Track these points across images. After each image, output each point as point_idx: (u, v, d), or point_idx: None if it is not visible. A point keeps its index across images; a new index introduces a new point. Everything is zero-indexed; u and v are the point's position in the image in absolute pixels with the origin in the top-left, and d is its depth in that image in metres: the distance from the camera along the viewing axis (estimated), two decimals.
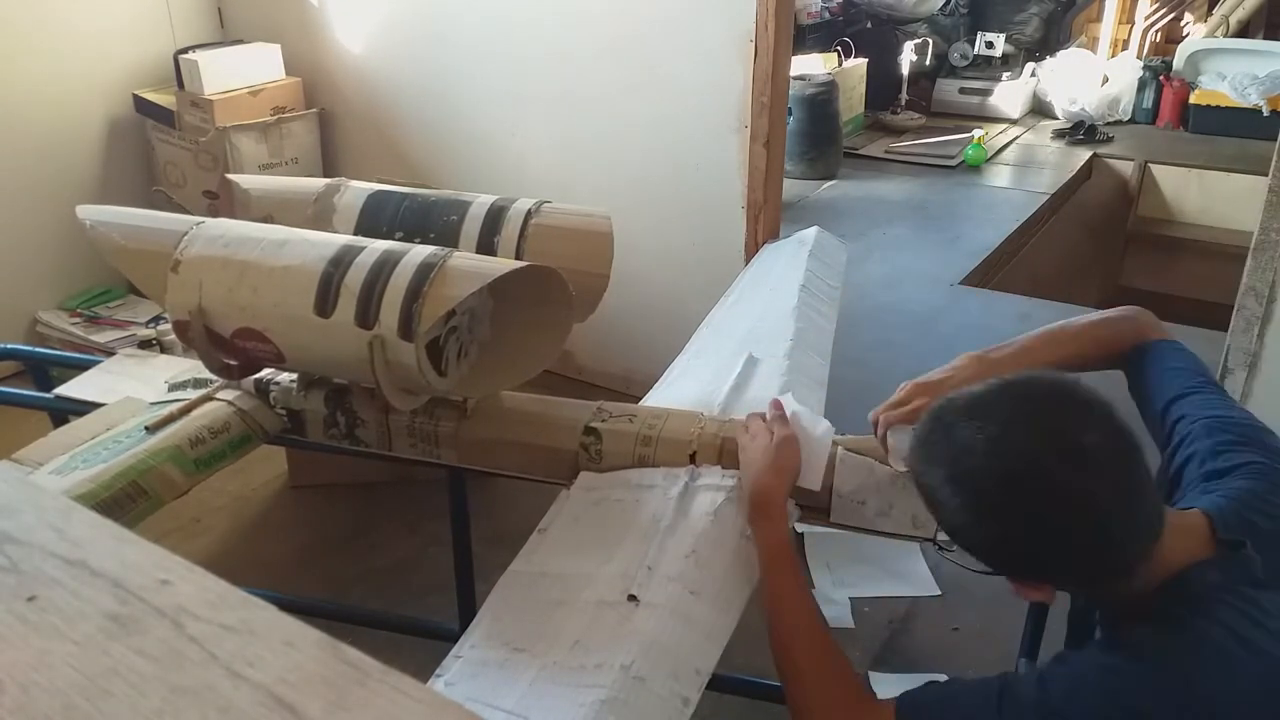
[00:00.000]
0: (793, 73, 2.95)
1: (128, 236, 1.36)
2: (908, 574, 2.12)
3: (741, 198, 2.44)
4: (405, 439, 1.40)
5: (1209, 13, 5.71)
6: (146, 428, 1.34)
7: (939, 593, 2.08)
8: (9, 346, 1.96)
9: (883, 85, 5.34)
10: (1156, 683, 0.92)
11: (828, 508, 1.26)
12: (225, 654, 0.41)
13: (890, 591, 2.07)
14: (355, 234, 1.40)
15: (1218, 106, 4.97)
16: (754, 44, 2.29)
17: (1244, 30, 5.46)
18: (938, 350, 3.33)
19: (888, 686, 1.87)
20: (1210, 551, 0.97)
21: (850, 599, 2.07)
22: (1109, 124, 5.24)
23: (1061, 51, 5.63)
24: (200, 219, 1.33)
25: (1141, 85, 5.27)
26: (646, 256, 2.46)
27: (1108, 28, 5.93)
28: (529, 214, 1.43)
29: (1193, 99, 5.07)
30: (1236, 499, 1.01)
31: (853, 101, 5.14)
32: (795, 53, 3.00)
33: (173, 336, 1.39)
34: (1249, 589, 0.95)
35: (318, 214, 1.46)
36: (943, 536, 1.02)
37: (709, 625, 1.05)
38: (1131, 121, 5.32)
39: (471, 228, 1.42)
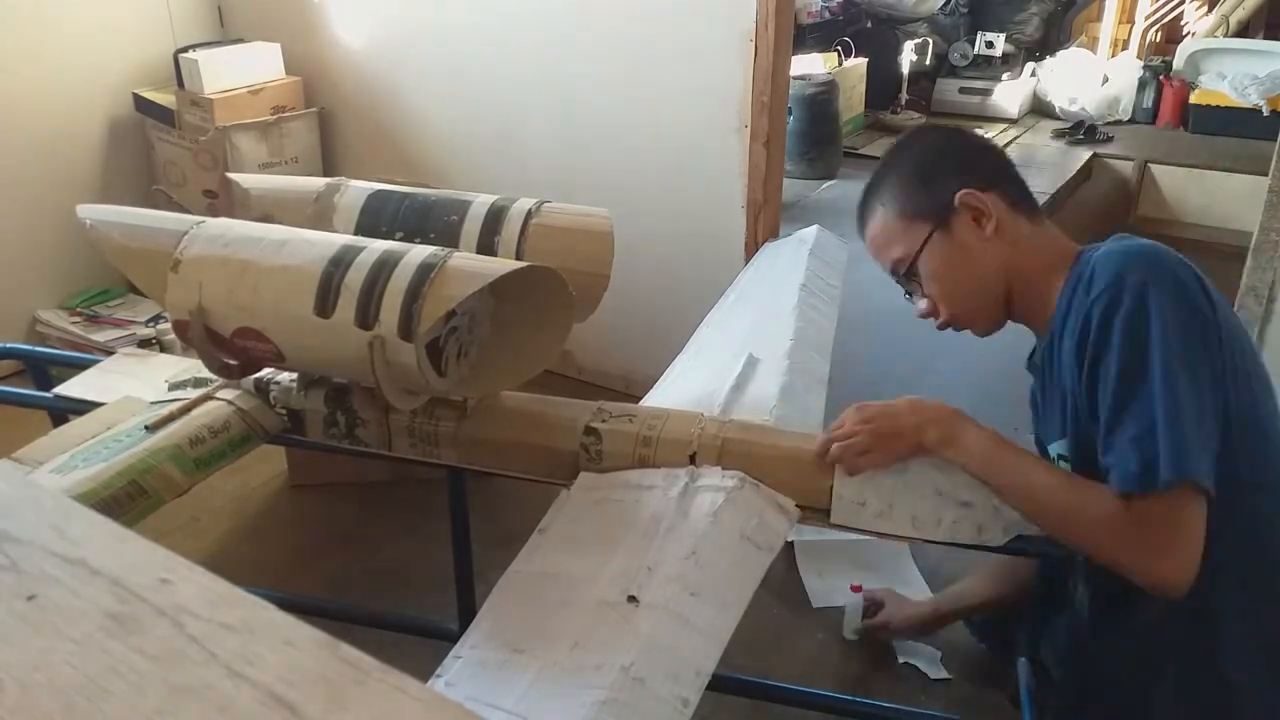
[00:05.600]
0: (793, 73, 2.94)
1: (128, 236, 1.36)
2: (902, 581, 2.12)
3: (741, 197, 2.44)
4: (405, 439, 1.40)
5: (1210, 10, 5.71)
6: (146, 427, 1.34)
7: (933, 597, 2.07)
8: (9, 346, 1.96)
9: (883, 85, 5.34)
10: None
11: (828, 509, 1.26)
12: (225, 653, 0.41)
13: None
14: (355, 233, 1.40)
15: (1218, 106, 4.96)
16: (754, 44, 2.29)
17: (1244, 30, 5.46)
18: (938, 350, 3.33)
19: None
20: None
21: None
22: (1109, 124, 5.24)
23: (1061, 51, 5.63)
24: (200, 218, 1.33)
25: (1141, 85, 5.27)
26: (646, 256, 2.46)
27: (1108, 28, 5.93)
28: (529, 214, 1.43)
29: (1193, 99, 5.07)
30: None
31: (853, 101, 5.14)
32: (795, 52, 3.00)
33: (172, 336, 1.39)
34: None
35: (318, 213, 1.46)
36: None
37: (709, 626, 1.05)
38: (1131, 121, 5.32)
39: (472, 227, 1.42)
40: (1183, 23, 5.90)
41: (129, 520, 1.20)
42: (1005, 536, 1.23)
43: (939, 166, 1.32)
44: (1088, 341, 1.15)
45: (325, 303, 1.20)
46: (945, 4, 5.55)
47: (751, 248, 2.43)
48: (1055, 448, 1.33)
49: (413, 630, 1.86)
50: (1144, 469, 1.09)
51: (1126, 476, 1.10)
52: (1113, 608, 1.24)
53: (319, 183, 1.52)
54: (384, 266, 1.20)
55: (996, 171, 1.33)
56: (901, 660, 1.91)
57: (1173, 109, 5.18)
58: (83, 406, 1.51)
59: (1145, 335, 1.10)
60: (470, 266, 1.22)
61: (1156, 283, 1.12)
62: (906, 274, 1.34)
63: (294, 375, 1.43)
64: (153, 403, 1.45)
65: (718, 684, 1.18)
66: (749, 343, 1.62)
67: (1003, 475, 1.20)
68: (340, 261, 1.22)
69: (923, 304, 1.36)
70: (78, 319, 2.94)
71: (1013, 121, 5.42)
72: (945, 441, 1.22)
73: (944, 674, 1.88)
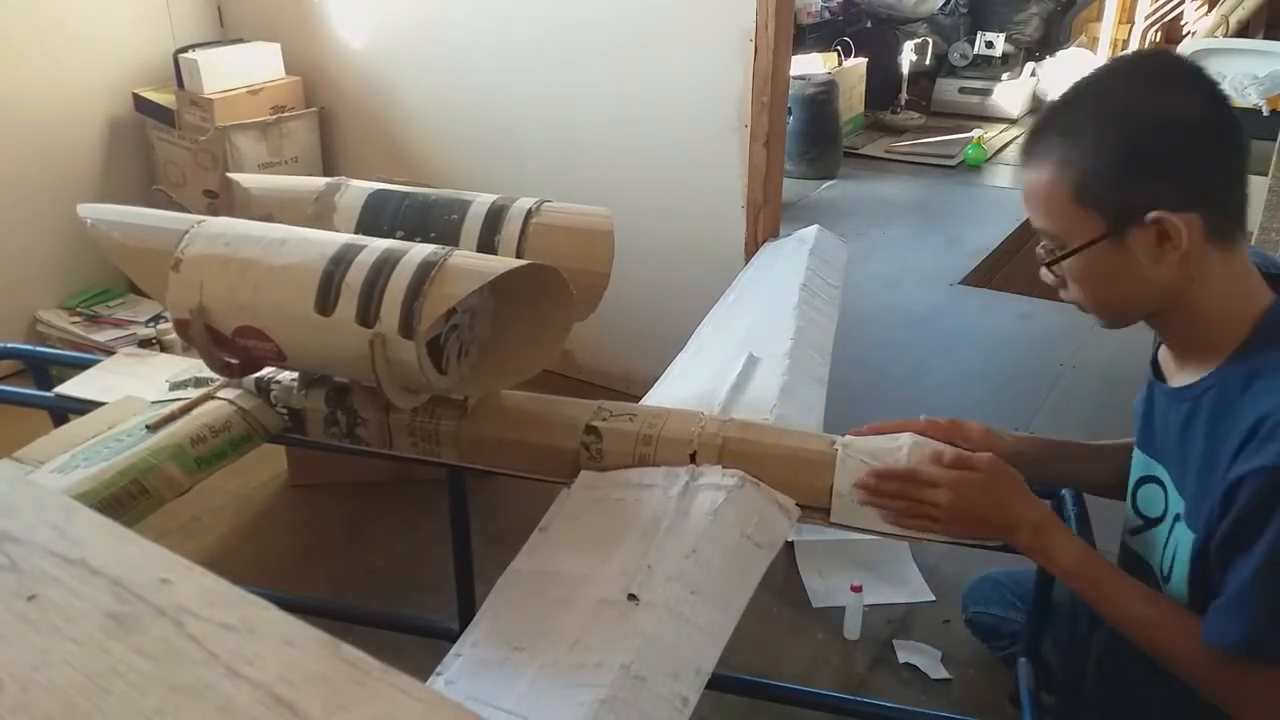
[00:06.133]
0: (793, 73, 2.94)
1: (129, 235, 1.36)
2: (902, 580, 2.12)
3: (741, 197, 2.44)
4: (406, 438, 1.40)
5: (1210, 9, 5.71)
6: (147, 426, 1.34)
7: (933, 598, 2.07)
8: (9, 345, 1.95)
9: (883, 85, 5.35)
10: None
11: (828, 508, 1.26)
12: (225, 653, 0.41)
13: (885, 599, 2.06)
14: (356, 233, 1.40)
15: None
16: (754, 44, 2.29)
17: (1244, 30, 5.46)
18: (938, 350, 3.34)
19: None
20: (1270, 294, 1.10)
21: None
22: None
23: (1061, 51, 5.64)
24: (201, 218, 1.33)
25: None
26: (646, 256, 2.46)
27: (1108, 27, 5.94)
28: (529, 213, 1.43)
29: None
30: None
31: (853, 101, 5.14)
32: (795, 52, 3.01)
33: (172, 335, 1.39)
34: None
35: (318, 213, 1.46)
36: (1057, 258, 1.11)
37: (709, 625, 1.05)
38: None
39: (472, 226, 1.42)
40: (1183, 23, 5.90)
41: (130, 520, 1.20)
42: None
43: (1152, 157, 1.03)
44: (1247, 449, 1.01)
45: (326, 301, 1.20)
46: (945, 4, 5.55)
47: (751, 248, 2.43)
48: (1151, 467, 1.23)
49: (413, 630, 1.87)
50: (1250, 638, 1.03)
51: (1224, 637, 1.05)
52: None
53: (319, 182, 1.52)
54: (385, 265, 1.20)
55: (1215, 185, 1.05)
56: (902, 660, 1.91)
57: None
58: (83, 406, 1.51)
59: None
60: (471, 265, 1.22)
61: None
62: (1049, 250, 1.13)
63: (295, 374, 1.43)
64: (154, 402, 1.45)
65: (717, 683, 1.19)
66: (749, 342, 1.62)
67: (1093, 594, 1.14)
68: (341, 260, 1.22)
69: (1049, 275, 1.16)
70: (78, 319, 2.94)
71: (1013, 121, 5.42)
72: (1035, 550, 1.15)
73: (944, 674, 1.88)
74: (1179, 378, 1.17)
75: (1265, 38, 5.44)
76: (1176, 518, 1.17)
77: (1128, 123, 1.03)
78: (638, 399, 1.51)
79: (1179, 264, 1.05)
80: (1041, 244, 1.14)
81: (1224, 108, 1.05)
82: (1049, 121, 1.10)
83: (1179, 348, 1.16)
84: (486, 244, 1.41)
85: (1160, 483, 1.22)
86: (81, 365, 1.68)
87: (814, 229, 2.09)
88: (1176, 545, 1.16)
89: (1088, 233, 1.06)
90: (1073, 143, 1.05)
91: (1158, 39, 5.83)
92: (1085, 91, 1.09)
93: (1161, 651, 1.12)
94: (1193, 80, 1.04)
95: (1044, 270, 1.16)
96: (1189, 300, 1.08)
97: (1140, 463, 1.26)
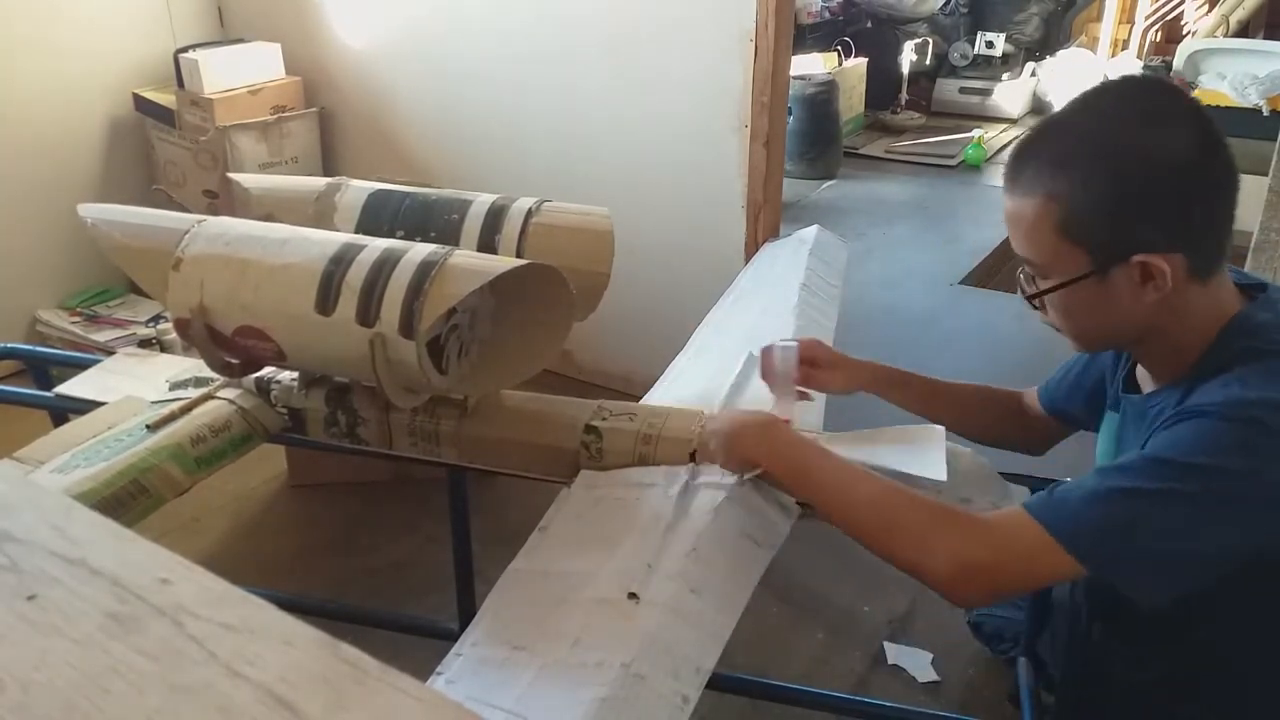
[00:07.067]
0: (793, 72, 2.94)
1: (129, 234, 1.36)
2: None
3: (741, 197, 2.44)
4: (406, 437, 1.40)
5: (1210, 9, 5.72)
6: (147, 426, 1.34)
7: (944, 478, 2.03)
8: (9, 345, 1.95)
9: (883, 85, 5.35)
10: None
11: None
12: (225, 653, 0.41)
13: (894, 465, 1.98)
14: (356, 233, 1.40)
15: (1218, 106, 4.96)
16: (754, 44, 2.29)
17: (1244, 30, 5.46)
18: (938, 350, 3.33)
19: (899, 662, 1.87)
20: (1241, 301, 1.09)
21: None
22: None
23: (1062, 51, 5.64)
24: (201, 217, 1.33)
25: None
26: (646, 256, 2.46)
27: (1108, 27, 5.94)
28: (529, 213, 1.43)
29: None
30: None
31: (853, 101, 5.15)
32: (795, 52, 3.01)
33: (172, 335, 1.39)
34: None
35: (319, 213, 1.46)
36: (1043, 286, 1.10)
37: (709, 623, 1.05)
38: None
39: (472, 226, 1.42)
40: (1183, 23, 5.91)
41: (130, 519, 1.20)
42: None
43: (1141, 200, 1.01)
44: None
45: (326, 301, 1.20)
46: (945, 4, 5.55)
47: (751, 248, 2.43)
48: None
49: (413, 630, 1.87)
50: (1048, 496, 1.03)
51: (1036, 500, 1.04)
52: (1109, 607, 1.24)
53: (320, 182, 1.52)
54: (385, 264, 1.20)
55: (1203, 227, 1.04)
56: (890, 662, 1.91)
57: None
58: (84, 406, 1.51)
59: (1196, 460, 0.97)
60: (471, 264, 1.22)
61: (1263, 445, 0.96)
62: (1030, 277, 1.12)
63: (295, 374, 1.43)
64: (154, 402, 1.45)
65: (717, 682, 1.19)
66: (749, 342, 1.61)
67: (814, 478, 1.15)
68: (341, 260, 1.22)
69: (1030, 298, 1.15)
70: (78, 319, 2.94)
71: (1013, 121, 5.42)
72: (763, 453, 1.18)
73: (933, 676, 1.87)
74: (1150, 388, 1.18)
75: (1265, 38, 5.44)
76: None
77: (1118, 162, 1.01)
78: (638, 399, 1.51)
79: (1161, 300, 1.04)
80: (1022, 269, 1.13)
81: (1218, 147, 1.02)
82: (1036, 148, 1.06)
83: (1154, 370, 1.17)
84: (486, 244, 1.41)
85: None
86: (81, 365, 1.69)
87: (814, 229, 2.09)
88: None
89: (1072, 268, 1.05)
90: (1061, 176, 1.02)
91: (1158, 39, 5.83)
92: (1075, 120, 1.06)
93: (891, 509, 1.11)
94: (1187, 117, 1.02)
95: (1025, 288, 1.15)
96: (1168, 329, 1.08)
97: None
